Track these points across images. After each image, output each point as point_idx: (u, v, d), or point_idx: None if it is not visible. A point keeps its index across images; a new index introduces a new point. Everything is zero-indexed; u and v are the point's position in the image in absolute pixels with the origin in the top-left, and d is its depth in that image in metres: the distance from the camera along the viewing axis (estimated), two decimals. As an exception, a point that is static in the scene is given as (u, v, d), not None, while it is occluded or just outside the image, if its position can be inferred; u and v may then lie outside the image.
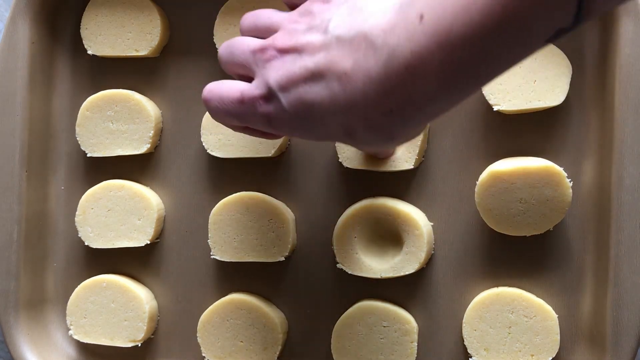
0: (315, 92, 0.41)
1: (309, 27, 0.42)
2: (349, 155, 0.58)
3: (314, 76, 0.41)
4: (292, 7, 0.48)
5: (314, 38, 0.42)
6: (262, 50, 0.44)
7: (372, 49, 0.38)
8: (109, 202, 0.60)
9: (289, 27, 0.44)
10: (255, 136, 0.50)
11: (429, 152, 0.58)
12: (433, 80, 0.37)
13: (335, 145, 0.58)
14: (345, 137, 0.42)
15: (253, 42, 0.45)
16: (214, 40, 0.60)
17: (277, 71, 0.43)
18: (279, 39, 0.43)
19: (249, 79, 0.46)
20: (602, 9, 0.35)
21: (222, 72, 0.54)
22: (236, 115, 0.46)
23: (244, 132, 0.50)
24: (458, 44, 0.35)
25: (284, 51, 0.43)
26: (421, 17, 0.36)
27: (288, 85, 0.42)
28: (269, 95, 0.43)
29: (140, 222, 0.60)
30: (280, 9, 0.48)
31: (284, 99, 0.42)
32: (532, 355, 0.55)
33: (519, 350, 0.55)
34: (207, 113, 0.59)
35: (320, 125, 0.42)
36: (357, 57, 0.39)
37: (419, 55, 0.36)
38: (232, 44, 0.47)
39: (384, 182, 0.59)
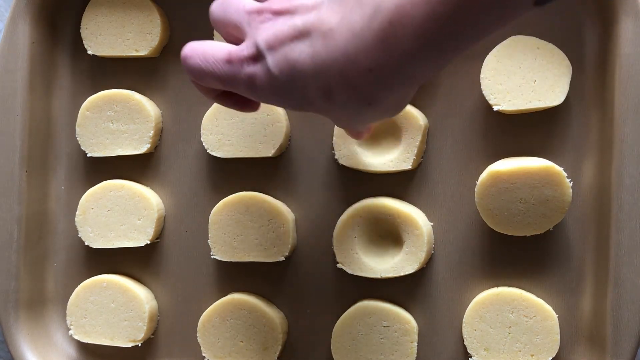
0: (299, 50, 0.40)
1: None
2: (345, 153, 0.58)
3: (302, 34, 0.40)
4: None
5: (308, 0, 0.41)
6: (259, 12, 0.43)
7: (358, 4, 0.38)
8: (109, 202, 0.60)
9: None
10: (227, 106, 0.49)
11: (429, 152, 0.58)
12: (414, 37, 0.37)
13: (333, 142, 0.58)
14: (323, 100, 0.41)
15: (250, 3, 0.44)
16: (214, 40, 0.60)
17: (267, 31, 0.42)
18: (276, 2, 0.43)
19: (236, 40, 0.45)
20: None
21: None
22: (220, 77, 0.44)
23: (217, 101, 0.48)
24: None
25: (278, 13, 0.42)
26: None
27: (276, 44, 0.41)
28: (257, 56, 0.42)
29: (140, 222, 0.60)
30: None
31: (271, 58, 0.41)
32: (532, 355, 0.55)
33: (519, 350, 0.55)
34: (207, 113, 0.59)
35: (301, 89, 0.41)
36: (344, 13, 0.39)
37: (402, 9, 0.36)
38: (228, 1, 0.46)
39: (384, 182, 0.59)
